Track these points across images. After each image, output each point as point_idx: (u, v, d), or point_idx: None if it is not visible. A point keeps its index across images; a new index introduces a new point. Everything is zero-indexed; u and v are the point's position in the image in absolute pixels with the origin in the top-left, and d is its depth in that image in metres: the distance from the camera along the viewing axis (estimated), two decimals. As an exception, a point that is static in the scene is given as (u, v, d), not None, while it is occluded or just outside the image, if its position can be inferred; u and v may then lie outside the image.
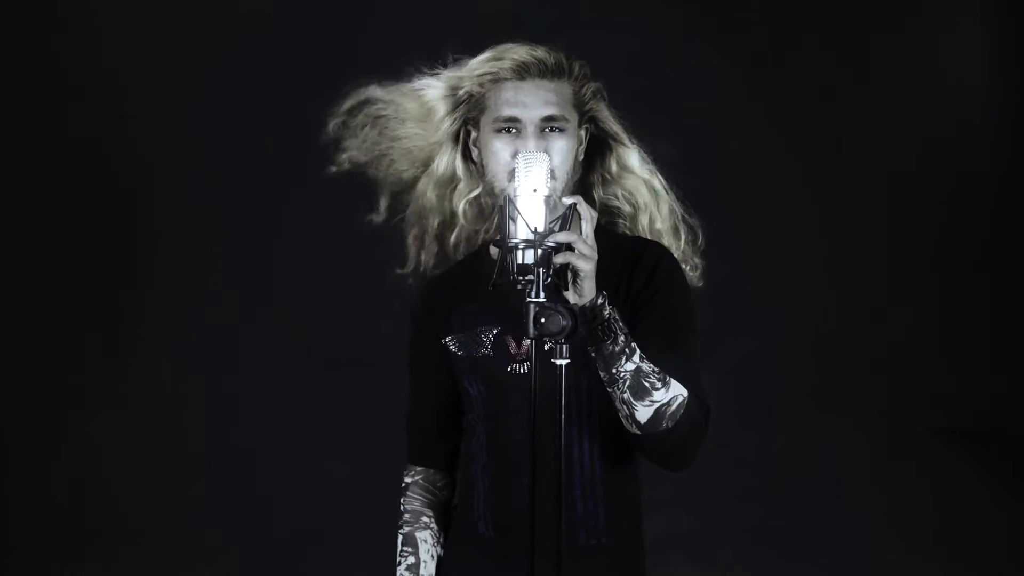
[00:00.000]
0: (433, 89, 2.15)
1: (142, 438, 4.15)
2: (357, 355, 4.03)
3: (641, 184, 2.21)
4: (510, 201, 1.84)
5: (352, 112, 2.21)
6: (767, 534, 4.27)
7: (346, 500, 4.04)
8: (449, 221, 2.20)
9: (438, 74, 2.16)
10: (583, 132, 2.14)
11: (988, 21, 4.56)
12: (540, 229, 1.81)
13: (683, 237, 2.25)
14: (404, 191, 2.23)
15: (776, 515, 4.28)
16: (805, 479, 4.32)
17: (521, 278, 1.80)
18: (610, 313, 1.90)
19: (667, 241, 2.21)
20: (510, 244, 1.81)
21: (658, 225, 2.22)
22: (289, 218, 4.12)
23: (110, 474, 4.14)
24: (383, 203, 2.25)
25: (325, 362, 4.14)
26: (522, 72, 2.06)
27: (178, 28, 4.17)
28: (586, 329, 1.89)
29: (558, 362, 1.76)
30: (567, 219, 1.86)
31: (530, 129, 2.04)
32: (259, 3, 4.17)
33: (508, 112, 2.05)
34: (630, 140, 2.21)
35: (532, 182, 1.84)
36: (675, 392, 1.96)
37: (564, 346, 1.75)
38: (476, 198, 2.16)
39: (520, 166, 1.86)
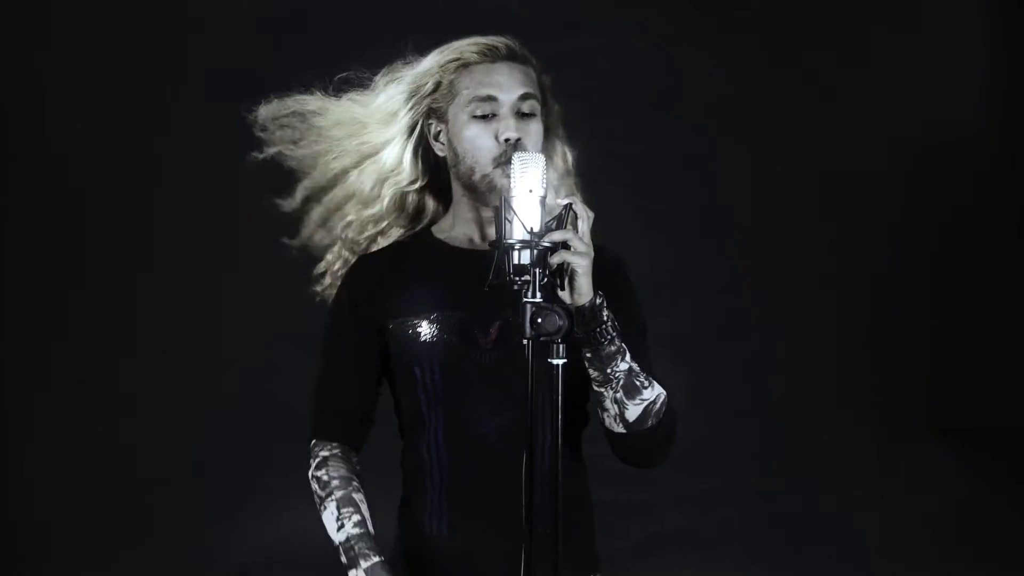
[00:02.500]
0: (397, 97, 2.12)
1: (141, 438, 4.15)
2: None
3: (568, 180, 2.16)
4: (506, 202, 1.83)
5: (288, 118, 2.17)
6: (766, 534, 4.28)
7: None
8: (368, 205, 2.15)
9: (396, 79, 2.13)
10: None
11: (986, 19, 4.57)
12: (536, 229, 1.80)
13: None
14: (330, 182, 2.19)
15: (775, 515, 4.28)
16: (805, 479, 4.33)
17: (517, 278, 1.79)
18: (608, 314, 1.89)
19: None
20: (506, 244, 1.81)
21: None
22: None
23: (107, 473, 4.14)
24: (299, 194, 2.20)
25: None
26: (492, 55, 2.05)
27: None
28: (584, 331, 1.88)
29: (554, 361, 1.75)
30: (563, 219, 1.85)
31: (507, 109, 2.02)
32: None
33: (486, 91, 2.02)
34: (566, 139, 2.18)
35: (528, 182, 1.83)
36: (658, 391, 1.97)
37: (561, 346, 1.75)
38: (405, 192, 2.13)
39: (515, 166, 1.84)
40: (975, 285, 4.48)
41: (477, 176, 2.04)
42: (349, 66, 2.19)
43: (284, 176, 2.25)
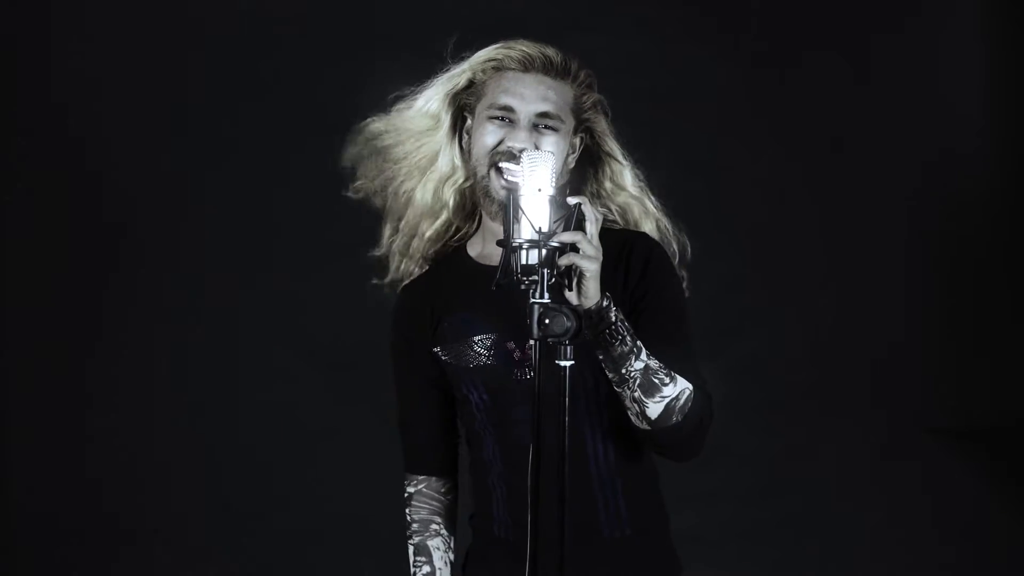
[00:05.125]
0: (434, 98, 2.14)
1: (141, 439, 4.14)
2: (356, 355, 4.02)
3: (633, 202, 2.19)
4: (514, 200, 1.82)
5: (362, 151, 2.19)
6: (767, 534, 4.27)
7: (346, 500, 4.04)
8: (438, 215, 2.18)
9: (433, 81, 2.15)
10: (577, 140, 2.12)
11: (986, 23, 4.57)
12: (544, 229, 1.79)
13: (672, 253, 2.22)
14: (404, 208, 2.21)
15: (776, 515, 4.28)
16: (805, 479, 4.33)
17: (525, 278, 1.78)
18: (616, 315, 1.88)
19: None
20: (514, 244, 1.79)
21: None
22: (289, 217, 4.11)
23: (108, 474, 4.13)
24: (387, 232, 2.23)
25: (325, 362, 4.13)
26: (526, 64, 2.05)
27: (173, 27, 4.15)
28: (593, 333, 1.87)
29: (562, 363, 1.74)
30: (571, 219, 1.84)
31: (523, 122, 2.03)
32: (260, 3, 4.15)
33: (505, 100, 2.04)
34: (624, 157, 2.18)
35: (536, 181, 1.82)
36: (682, 386, 1.96)
37: (569, 347, 1.74)
38: (461, 187, 2.15)
39: (524, 165, 1.84)
40: (976, 284, 4.48)
41: (478, 177, 2.07)
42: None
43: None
